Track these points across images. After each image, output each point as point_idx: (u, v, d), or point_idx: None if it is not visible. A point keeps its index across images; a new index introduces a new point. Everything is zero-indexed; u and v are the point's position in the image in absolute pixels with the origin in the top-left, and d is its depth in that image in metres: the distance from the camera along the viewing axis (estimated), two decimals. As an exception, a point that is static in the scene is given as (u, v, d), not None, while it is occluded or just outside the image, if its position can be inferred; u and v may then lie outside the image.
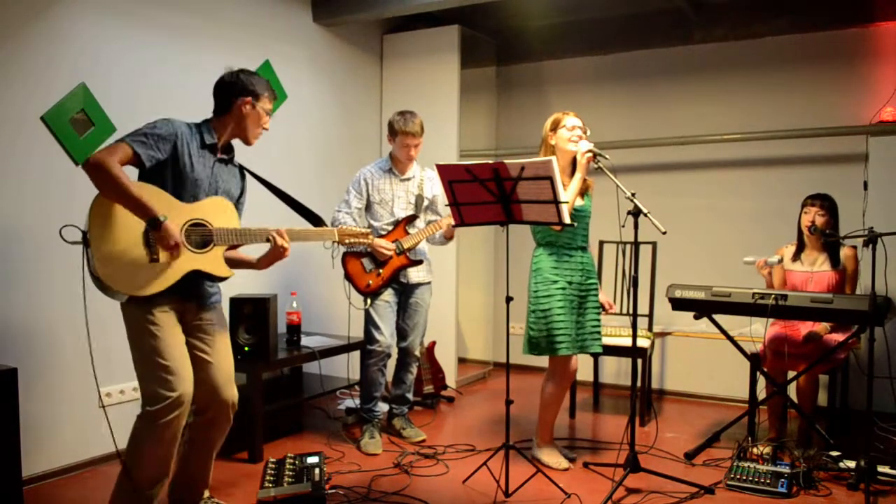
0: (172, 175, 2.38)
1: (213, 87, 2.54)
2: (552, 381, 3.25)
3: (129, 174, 2.25)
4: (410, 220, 3.65)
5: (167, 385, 2.31)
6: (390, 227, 3.62)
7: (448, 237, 3.65)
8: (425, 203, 3.72)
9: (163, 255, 2.32)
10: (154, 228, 2.26)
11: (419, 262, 3.66)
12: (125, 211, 2.25)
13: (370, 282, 3.57)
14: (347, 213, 3.59)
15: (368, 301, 3.62)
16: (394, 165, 3.69)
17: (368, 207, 3.68)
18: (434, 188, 3.74)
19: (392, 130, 3.62)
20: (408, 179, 3.69)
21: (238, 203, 2.65)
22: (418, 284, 3.71)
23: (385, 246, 3.52)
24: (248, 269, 2.67)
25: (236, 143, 2.62)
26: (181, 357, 2.39)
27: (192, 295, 2.48)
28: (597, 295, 3.30)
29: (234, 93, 2.49)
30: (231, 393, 2.57)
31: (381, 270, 3.58)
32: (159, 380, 2.31)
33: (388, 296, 3.64)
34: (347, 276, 3.60)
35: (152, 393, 2.32)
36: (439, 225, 3.58)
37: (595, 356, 3.94)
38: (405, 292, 3.71)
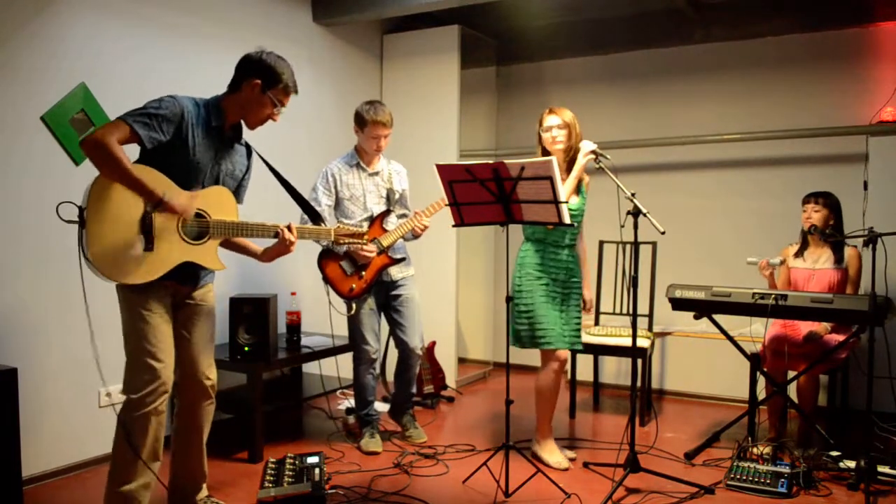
0: (174, 157, 2.32)
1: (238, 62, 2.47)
2: (543, 373, 3.26)
3: (132, 151, 2.22)
4: (384, 215, 3.52)
5: (151, 372, 2.30)
6: (365, 226, 3.46)
7: (416, 234, 3.51)
8: (396, 196, 3.59)
9: (157, 245, 2.28)
10: (159, 210, 2.23)
11: (401, 260, 3.54)
12: (125, 195, 2.21)
13: (353, 286, 3.42)
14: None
15: (353, 307, 3.49)
16: (360, 159, 3.55)
17: (338, 205, 3.51)
18: (402, 182, 3.64)
19: (360, 120, 3.44)
20: (376, 173, 3.56)
21: (242, 182, 2.61)
22: (402, 278, 3.58)
23: (366, 249, 3.37)
24: (251, 259, 2.62)
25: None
26: (167, 344, 2.37)
27: (186, 279, 2.45)
28: (580, 293, 3.31)
29: (249, 72, 2.42)
30: (209, 373, 2.56)
31: (363, 273, 3.43)
32: (144, 366, 2.30)
33: (371, 303, 3.52)
34: (327, 281, 3.42)
35: (135, 379, 2.31)
36: (417, 218, 3.44)
37: (594, 356, 3.94)
38: (389, 290, 3.58)
